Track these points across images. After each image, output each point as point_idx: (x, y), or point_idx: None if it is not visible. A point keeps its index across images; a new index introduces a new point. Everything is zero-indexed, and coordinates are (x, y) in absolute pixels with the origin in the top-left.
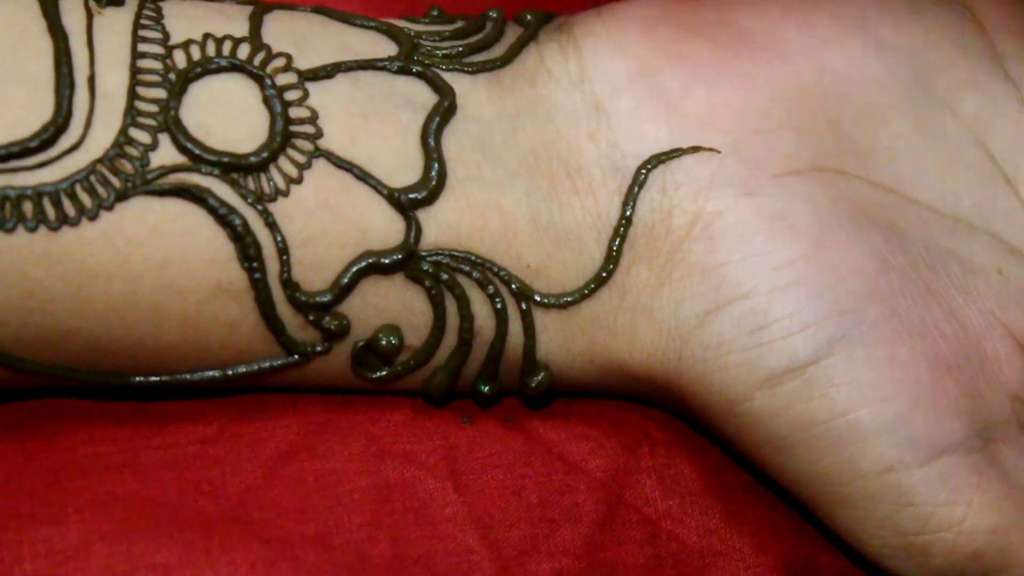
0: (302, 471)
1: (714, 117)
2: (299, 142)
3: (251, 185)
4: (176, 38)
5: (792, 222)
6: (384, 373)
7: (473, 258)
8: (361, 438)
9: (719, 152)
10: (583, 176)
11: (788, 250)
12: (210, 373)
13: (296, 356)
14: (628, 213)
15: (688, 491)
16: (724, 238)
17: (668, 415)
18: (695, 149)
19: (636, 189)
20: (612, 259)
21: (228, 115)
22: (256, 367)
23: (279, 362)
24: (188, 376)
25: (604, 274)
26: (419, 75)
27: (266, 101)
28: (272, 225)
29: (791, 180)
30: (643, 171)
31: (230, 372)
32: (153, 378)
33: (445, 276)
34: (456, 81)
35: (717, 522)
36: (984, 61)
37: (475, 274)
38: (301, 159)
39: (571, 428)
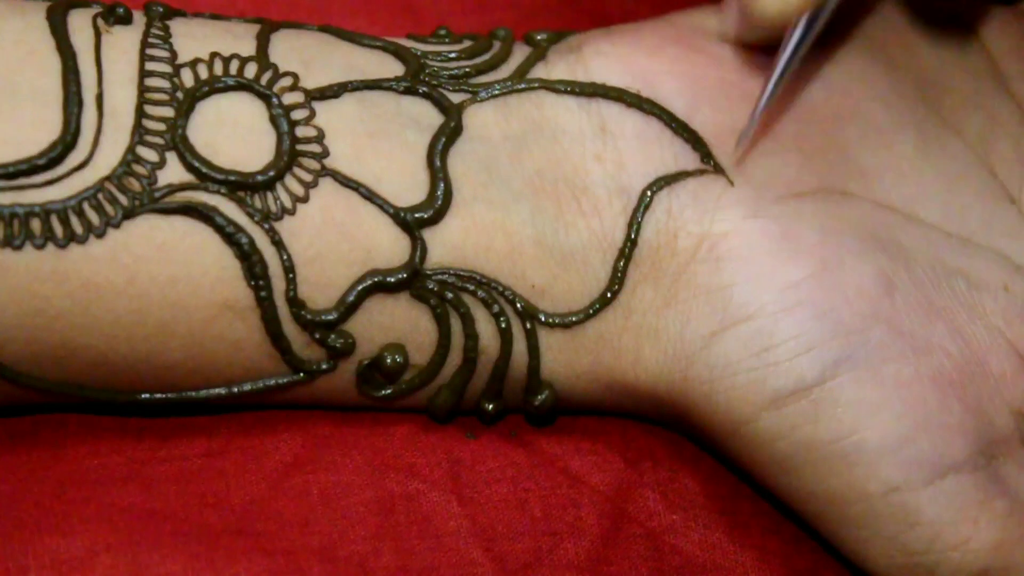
0: (306, 483)
1: (720, 138)
2: (306, 161)
3: (258, 203)
4: (183, 57)
5: (797, 244)
6: (389, 391)
7: (478, 277)
8: (365, 451)
9: (725, 174)
10: (589, 197)
11: (793, 271)
12: (216, 390)
13: (301, 374)
14: (633, 234)
15: (691, 505)
16: (730, 259)
17: (671, 431)
18: (701, 171)
19: (642, 210)
20: (617, 280)
21: (235, 134)
22: (262, 385)
23: (284, 380)
24: (194, 393)
25: (609, 294)
26: (425, 95)
27: (273, 120)
28: (278, 243)
29: (796, 202)
30: (649, 192)
31: (236, 390)
32: (159, 395)
33: (450, 295)
34: (462, 102)
35: (720, 536)
36: (988, 81)
37: (480, 293)
38: (307, 178)
39: (574, 442)
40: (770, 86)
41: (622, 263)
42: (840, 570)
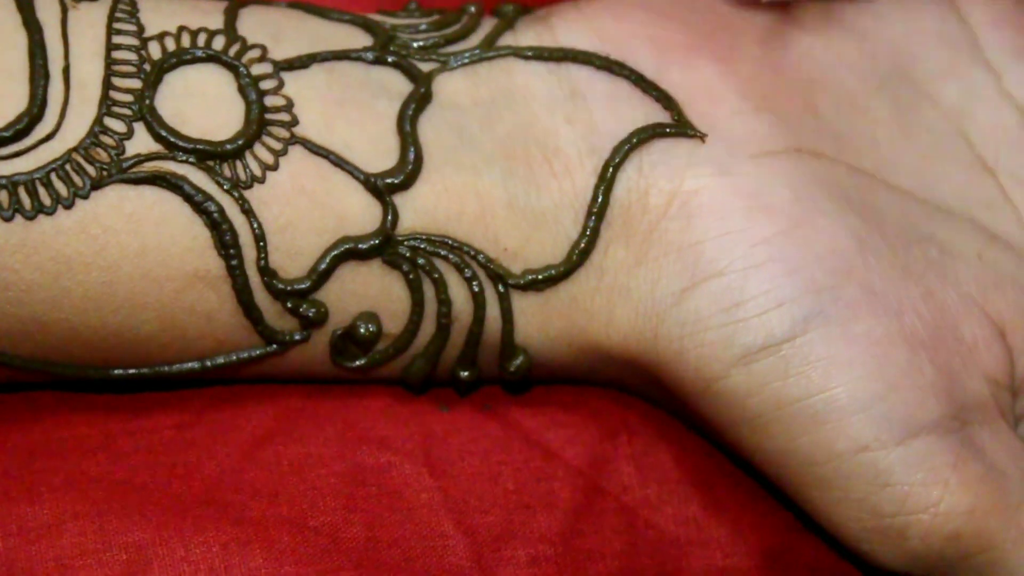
0: (277, 455)
1: (690, 98)
2: (275, 129)
3: (227, 172)
4: (151, 31)
5: (769, 201)
6: (363, 362)
7: (450, 242)
8: (337, 424)
9: (697, 131)
10: (560, 158)
11: (764, 228)
12: (189, 365)
13: (274, 345)
14: (604, 193)
15: (666, 479)
16: (700, 216)
17: (647, 405)
18: (673, 128)
19: (612, 169)
20: (587, 237)
21: (203, 104)
22: (235, 357)
23: (258, 352)
24: (167, 368)
25: (580, 253)
26: (395, 65)
27: (241, 90)
28: (248, 212)
29: (768, 160)
30: (621, 149)
31: (208, 363)
32: (132, 371)
33: (422, 261)
34: (432, 71)
35: (695, 510)
36: (964, 50)
37: (452, 258)
38: (277, 146)
39: (549, 416)
40: None
41: (593, 221)
42: (815, 545)
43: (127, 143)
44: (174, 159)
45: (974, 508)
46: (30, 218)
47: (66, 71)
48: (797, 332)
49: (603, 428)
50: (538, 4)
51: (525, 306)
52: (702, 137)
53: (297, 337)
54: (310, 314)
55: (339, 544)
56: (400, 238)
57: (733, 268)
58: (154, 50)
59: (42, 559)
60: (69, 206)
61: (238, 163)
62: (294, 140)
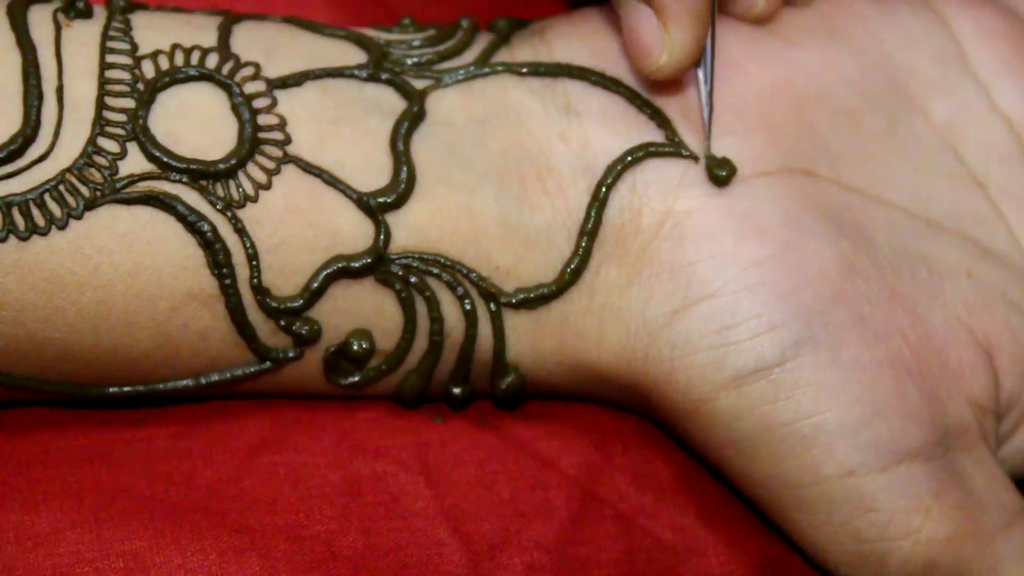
0: (273, 464)
1: (684, 117)
2: (268, 148)
3: (220, 192)
4: (144, 49)
5: (761, 223)
6: (357, 378)
7: (442, 260)
8: (333, 434)
9: (690, 151)
10: (553, 176)
11: (756, 250)
12: (183, 382)
13: (268, 362)
14: (597, 212)
15: (662, 488)
16: (693, 237)
17: (642, 417)
18: (667, 147)
19: (605, 188)
20: (580, 257)
21: (197, 123)
22: (229, 375)
23: (252, 369)
24: (162, 386)
25: (573, 273)
26: (388, 82)
27: (234, 109)
28: (241, 231)
29: (761, 181)
30: (614, 169)
31: (203, 381)
32: (127, 388)
33: (414, 279)
34: (425, 88)
35: (691, 519)
36: (955, 65)
37: (444, 276)
38: (270, 165)
39: (544, 426)
40: (704, 97)
41: (585, 241)
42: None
43: (120, 163)
44: (167, 179)
45: (953, 536)
46: (24, 238)
47: (60, 91)
48: (788, 357)
49: (598, 438)
50: (533, 17)
51: (517, 324)
52: (695, 158)
53: (291, 354)
54: (303, 332)
55: (335, 552)
56: (392, 256)
57: (725, 291)
58: (147, 68)
59: (40, 567)
60: (63, 226)
61: (231, 182)
62: (287, 159)
